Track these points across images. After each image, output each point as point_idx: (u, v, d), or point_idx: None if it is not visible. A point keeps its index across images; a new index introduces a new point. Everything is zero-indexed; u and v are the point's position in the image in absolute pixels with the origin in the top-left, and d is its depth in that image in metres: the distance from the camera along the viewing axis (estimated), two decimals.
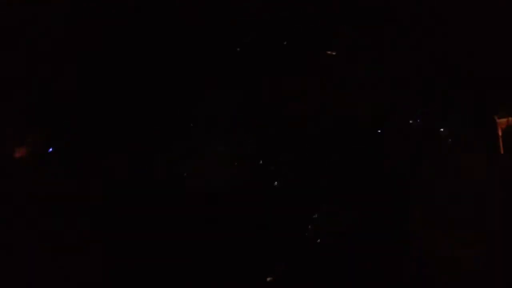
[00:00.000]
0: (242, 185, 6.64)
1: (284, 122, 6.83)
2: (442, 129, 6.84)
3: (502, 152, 6.74)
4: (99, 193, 6.49)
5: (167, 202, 6.56)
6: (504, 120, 6.78)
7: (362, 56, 6.99)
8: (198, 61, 6.86)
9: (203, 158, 6.68)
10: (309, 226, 6.69)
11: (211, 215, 6.57)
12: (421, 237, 6.51)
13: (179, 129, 6.76)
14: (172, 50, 6.81)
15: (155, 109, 6.71)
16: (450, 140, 6.80)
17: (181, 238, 6.46)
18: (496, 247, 6.34)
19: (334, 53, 6.99)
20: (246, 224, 6.55)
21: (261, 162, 6.77)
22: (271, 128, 6.79)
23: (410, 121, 6.90)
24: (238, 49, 6.88)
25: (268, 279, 6.51)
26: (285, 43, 6.93)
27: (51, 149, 6.36)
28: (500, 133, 6.77)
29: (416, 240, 6.54)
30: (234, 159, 6.73)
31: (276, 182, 6.72)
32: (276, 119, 6.84)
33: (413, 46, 7.05)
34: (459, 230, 6.46)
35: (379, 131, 6.89)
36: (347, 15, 7.03)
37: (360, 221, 6.67)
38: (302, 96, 6.83)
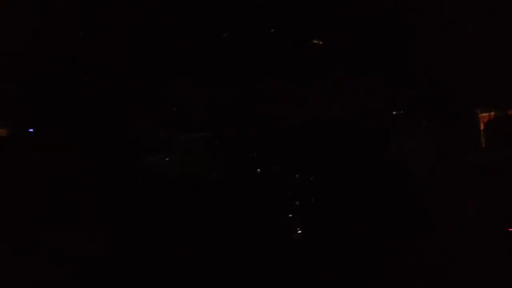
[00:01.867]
0: (217, 180, 6.65)
1: (262, 118, 6.85)
2: (423, 122, 6.81)
3: (484, 146, 6.68)
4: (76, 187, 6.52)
5: (141, 196, 6.57)
6: (485, 114, 6.74)
7: (342, 54, 6.98)
8: (175, 58, 6.91)
9: (178, 152, 6.73)
10: (287, 223, 6.68)
11: (187, 210, 6.57)
12: (397, 233, 6.44)
13: (153, 124, 6.81)
14: (149, 48, 6.88)
15: (127, 104, 6.77)
16: (431, 133, 6.75)
17: (156, 234, 6.46)
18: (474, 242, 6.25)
19: (321, 42, 6.97)
20: (223, 220, 6.54)
21: (238, 157, 6.79)
22: (247, 125, 6.82)
23: (394, 112, 6.88)
24: (216, 45, 6.92)
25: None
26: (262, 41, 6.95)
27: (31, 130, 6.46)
28: (482, 127, 6.72)
29: (395, 236, 6.46)
30: (210, 155, 6.76)
31: (253, 177, 6.73)
32: (254, 116, 6.86)
33: (396, 41, 7.04)
34: (439, 224, 6.40)
35: (360, 123, 6.87)
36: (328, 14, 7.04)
37: (340, 218, 6.63)
38: (280, 93, 6.85)
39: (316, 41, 6.87)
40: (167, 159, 6.83)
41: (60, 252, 6.20)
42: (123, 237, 6.42)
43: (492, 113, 6.72)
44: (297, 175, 6.80)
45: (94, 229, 6.37)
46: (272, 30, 6.87)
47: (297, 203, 6.69)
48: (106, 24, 6.72)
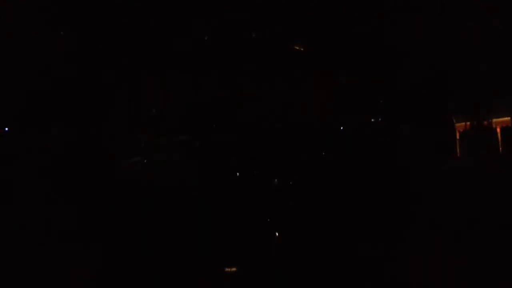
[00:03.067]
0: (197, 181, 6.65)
1: (243, 122, 6.86)
2: (401, 130, 6.90)
3: (459, 154, 6.81)
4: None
5: (119, 197, 6.51)
6: (462, 124, 6.87)
7: (323, 60, 7.03)
8: (155, 60, 6.86)
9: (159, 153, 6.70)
10: (266, 227, 6.71)
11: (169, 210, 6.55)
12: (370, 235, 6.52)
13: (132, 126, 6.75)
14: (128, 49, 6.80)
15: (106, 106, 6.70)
16: (408, 140, 6.84)
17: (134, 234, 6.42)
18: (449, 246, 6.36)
19: (301, 49, 7.02)
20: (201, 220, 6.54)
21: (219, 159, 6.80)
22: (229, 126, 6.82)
23: (372, 120, 6.96)
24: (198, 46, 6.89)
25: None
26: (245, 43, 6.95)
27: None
28: (457, 136, 6.85)
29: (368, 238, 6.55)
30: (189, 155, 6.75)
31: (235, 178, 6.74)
32: (234, 119, 6.86)
33: (379, 50, 7.11)
34: (413, 228, 6.50)
35: (340, 129, 6.94)
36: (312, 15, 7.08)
37: (320, 221, 6.69)
38: (261, 97, 6.86)
39: (297, 47, 6.91)
40: (145, 161, 6.78)
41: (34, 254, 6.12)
42: (101, 238, 6.37)
43: (468, 123, 6.85)
44: (276, 180, 6.83)
45: (72, 229, 6.30)
46: (253, 35, 6.88)
47: (276, 207, 6.72)
48: (87, 26, 6.64)
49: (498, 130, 6.70)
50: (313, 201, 6.78)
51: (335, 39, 7.05)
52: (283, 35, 7.05)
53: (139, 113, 6.84)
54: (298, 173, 6.89)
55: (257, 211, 6.84)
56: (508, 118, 6.74)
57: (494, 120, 6.74)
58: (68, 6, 6.74)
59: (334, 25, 7.03)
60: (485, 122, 6.73)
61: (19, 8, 6.62)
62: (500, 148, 6.69)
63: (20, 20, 6.68)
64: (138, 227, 6.54)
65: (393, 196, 6.64)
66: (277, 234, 6.77)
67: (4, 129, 6.31)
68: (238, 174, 6.82)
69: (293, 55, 7.01)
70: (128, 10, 6.77)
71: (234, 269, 6.57)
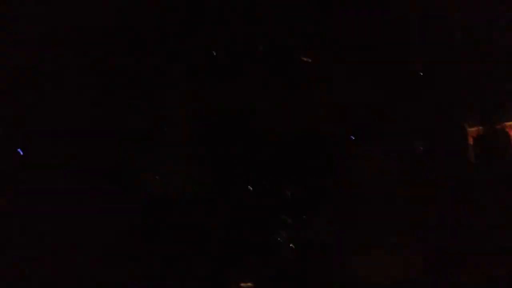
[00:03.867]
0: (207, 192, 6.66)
1: (253, 134, 6.87)
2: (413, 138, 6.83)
3: (472, 160, 6.71)
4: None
5: (132, 211, 6.55)
6: (474, 129, 6.77)
7: (330, 71, 7.01)
8: (166, 75, 6.92)
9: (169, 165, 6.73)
10: (278, 240, 6.68)
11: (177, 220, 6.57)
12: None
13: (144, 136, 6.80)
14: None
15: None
16: (421, 148, 6.77)
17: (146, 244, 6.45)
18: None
19: (309, 60, 7.01)
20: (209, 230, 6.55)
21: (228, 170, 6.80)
22: (238, 139, 6.82)
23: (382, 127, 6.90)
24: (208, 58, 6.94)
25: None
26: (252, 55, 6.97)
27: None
28: (471, 142, 6.75)
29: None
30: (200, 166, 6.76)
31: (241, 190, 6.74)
32: (244, 132, 6.87)
33: (388, 58, 7.08)
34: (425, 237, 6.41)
35: (351, 138, 6.90)
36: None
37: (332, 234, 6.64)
38: (271, 109, 6.87)
39: (305, 59, 6.91)
40: (158, 174, 6.81)
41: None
42: (113, 252, 6.40)
43: (481, 128, 6.75)
44: (288, 192, 6.80)
45: (86, 244, 6.35)
46: (261, 48, 6.90)
47: (289, 220, 6.69)
48: (101, 40, 6.74)
49: (511, 133, 6.60)
50: (326, 213, 6.72)
51: (343, 49, 7.03)
52: (291, 46, 7.05)
53: (151, 126, 6.89)
54: (310, 184, 6.85)
55: (271, 223, 6.81)
56: None
57: (507, 123, 6.64)
58: (83, 22, 6.83)
59: (342, 35, 7.02)
60: (498, 126, 6.63)
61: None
62: None
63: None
64: (150, 239, 6.56)
65: (406, 204, 6.56)
66: (292, 246, 6.74)
67: (18, 150, 6.44)
68: (250, 187, 6.81)
69: (302, 66, 7.01)
70: (140, 23, 6.86)
71: (250, 284, 6.55)
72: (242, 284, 6.56)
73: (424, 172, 6.73)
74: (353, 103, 6.84)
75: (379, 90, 6.85)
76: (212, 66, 6.94)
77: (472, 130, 6.80)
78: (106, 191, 6.59)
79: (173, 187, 6.66)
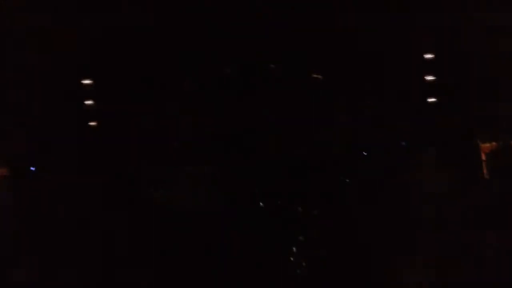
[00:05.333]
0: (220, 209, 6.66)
1: (265, 153, 6.87)
2: (425, 153, 6.79)
3: (486, 177, 6.66)
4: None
5: (144, 228, 6.56)
6: (487, 145, 6.73)
7: (344, 88, 7.01)
8: (179, 94, 6.95)
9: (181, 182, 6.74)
10: (291, 258, 6.66)
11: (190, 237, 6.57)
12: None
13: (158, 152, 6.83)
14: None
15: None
16: (433, 163, 6.73)
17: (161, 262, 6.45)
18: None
19: (320, 77, 7.03)
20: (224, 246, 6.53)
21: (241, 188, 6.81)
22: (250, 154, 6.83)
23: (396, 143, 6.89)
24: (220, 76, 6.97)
25: None
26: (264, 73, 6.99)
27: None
28: (483, 157, 6.71)
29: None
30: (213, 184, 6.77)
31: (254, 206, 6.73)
32: (256, 150, 6.88)
33: (402, 70, 7.07)
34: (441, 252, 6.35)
35: (364, 153, 6.89)
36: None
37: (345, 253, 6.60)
38: (282, 127, 6.88)
39: (316, 76, 6.91)
40: (171, 192, 6.83)
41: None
42: (127, 269, 6.40)
43: (494, 143, 6.71)
44: (300, 209, 6.79)
45: (98, 261, 6.36)
46: (272, 66, 6.92)
47: (301, 237, 6.67)
48: (112, 58, 6.79)
49: None
50: (339, 231, 6.69)
51: (354, 65, 7.03)
52: (302, 63, 7.07)
53: (162, 144, 6.92)
54: (322, 202, 6.83)
55: (282, 241, 6.80)
56: None
57: None
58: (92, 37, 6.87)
59: (352, 52, 7.02)
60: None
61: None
62: None
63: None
64: (161, 259, 6.56)
65: (418, 221, 6.52)
66: (303, 264, 6.71)
67: (30, 168, 6.49)
68: (262, 204, 6.81)
69: (313, 84, 7.02)
70: (150, 42, 6.90)
71: None
72: None
73: (436, 187, 6.68)
74: (366, 118, 6.85)
75: (391, 106, 6.84)
76: (224, 84, 6.97)
77: (485, 146, 6.76)
78: (117, 206, 6.61)
79: (185, 204, 6.67)
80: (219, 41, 6.90)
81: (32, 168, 6.47)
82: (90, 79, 6.88)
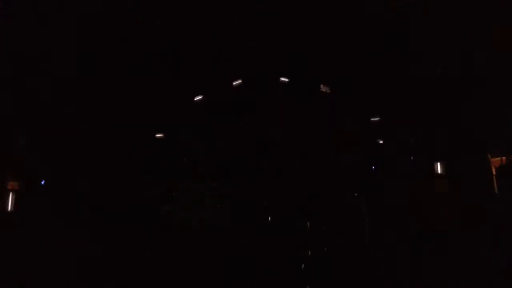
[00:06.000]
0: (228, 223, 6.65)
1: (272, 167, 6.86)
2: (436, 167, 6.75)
3: (496, 190, 6.59)
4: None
5: (152, 243, 6.58)
6: (497, 159, 6.67)
7: (351, 100, 7.00)
8: (184, 109, 7.01)
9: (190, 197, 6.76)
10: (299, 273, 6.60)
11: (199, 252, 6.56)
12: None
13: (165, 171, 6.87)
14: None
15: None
16: (444, 177, 6.67)
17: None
18: None
19: (328, 90, 7.03)
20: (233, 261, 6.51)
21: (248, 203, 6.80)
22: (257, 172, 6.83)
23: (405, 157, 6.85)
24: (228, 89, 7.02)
25: None
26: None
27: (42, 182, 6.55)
28: (493, 171, 6.64)
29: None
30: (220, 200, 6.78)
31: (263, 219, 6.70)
32: (263, 164, 6.88)
33: (412, 84, 7.05)
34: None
35: (373, 168, 6.86)
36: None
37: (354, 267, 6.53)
38: (290, 141, 6.87)
39: (323, 89, 6.93)
40: (178, 207, 6.86)
41: None
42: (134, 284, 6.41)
43: (504, 158, 6.64)
44: (308, 224, 6.76)
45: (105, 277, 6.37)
46: (281, 79, 6.96)
47: (309, 252, 6.61)
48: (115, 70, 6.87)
49: None
50: (348, 248, 6.62)
51: (365, 77, 7.03)
52: (310, 77, 7.09)
53: (170, 161, 6.97)
54: (331, 215, 6.79)
55: (291, 254, 6.75)
56: None
57: None
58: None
59: (360, 63, 7.03)
60: None
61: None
62: None
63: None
64: (171, 272, 6.55)
65: (430, 235, 6.44)
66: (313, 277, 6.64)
67: (41, 182, 6.58)
68: (270, 218, 6.79)
69: (321, 97, 7.03)
70: (157, 60, 6.99)
71: None
72: None
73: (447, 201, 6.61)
74: (377, 131, 6.83)
75: (401, 120, 6.82)
76: (234, 99, 7.02)
77: (495, 160, 6.69)
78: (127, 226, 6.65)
79: (197, 219, 6.69)
80: (226, 53, 6.96)
81: (42, 182, 6.57)
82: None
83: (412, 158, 6.94)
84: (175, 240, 6.65)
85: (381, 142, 7.01)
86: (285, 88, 7.03)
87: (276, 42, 6.95)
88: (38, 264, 6.35)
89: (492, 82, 6.82)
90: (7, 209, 6.56)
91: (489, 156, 6.71)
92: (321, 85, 7.09)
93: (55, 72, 6.91)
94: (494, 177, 6.64)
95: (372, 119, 7.05)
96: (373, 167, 6.97)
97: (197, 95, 7.08)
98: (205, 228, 6.68)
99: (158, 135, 7.10)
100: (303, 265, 6.69)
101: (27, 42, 6.81)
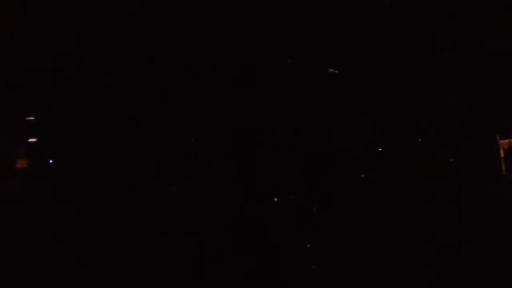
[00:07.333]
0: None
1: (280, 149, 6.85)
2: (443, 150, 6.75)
3: (504, 173, 6.59)
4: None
5: (160, 224, 6.58)
6: (506, 141, 6.67)
7: (360, 83, 6.98)
8: (195, 90, 6.99)
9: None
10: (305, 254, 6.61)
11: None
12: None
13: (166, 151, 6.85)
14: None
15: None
16: (451, 160, 6.68)
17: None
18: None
19: (336, 71, 6.99)
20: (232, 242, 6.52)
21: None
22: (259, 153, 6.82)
23: (413, 141, 6.84)
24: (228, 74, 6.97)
25: None
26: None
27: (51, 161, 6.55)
28: (502, 154, 6.65)
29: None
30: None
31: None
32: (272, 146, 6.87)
33: (419, 70, 7.04)
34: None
35: (380, 151, 6.85)
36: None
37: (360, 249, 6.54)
38: (299, 123, 6.86)
39: (332, 70, 6.90)
40: (186, 188, 6.85)
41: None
42: (139, 265, 6.41)
43: None
44: (314, 206, 6.75)
45: (109, 258, 6.38)
46: (288, 61, 6.92)
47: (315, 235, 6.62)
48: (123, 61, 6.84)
49: None
50: (354, 229, 6.63)
51: (373, 60, 7.01)
52: (318, 58, 7.05)
53: (178, 141, 6.95)
54: (340, 199, 6.78)
55: (298, 240, 6.74)
56: None
57: None
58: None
59: (368, 48, 7.00)
60: None
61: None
62: None
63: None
64: (174, 257, 6.54)
65: (437, 218, 6.45)
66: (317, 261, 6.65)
67: (49, 160, 6.57)
68: (276, 200, 6.78)
69: (329, 79, 7.00)
70: (161, 42, 6.96)
71: None
72: None
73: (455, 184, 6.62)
74: (385, 115, 6.81)
75: (406, 102, 6.81)
76: (237, 80, 6.98)
77: (504, 142, 6.70)
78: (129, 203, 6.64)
79: (198, 200, 6.69)
80: (230, 36, 6.92)
81: (51, 161, 6.56)
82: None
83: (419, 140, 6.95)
84: (184, 222, 6.65)
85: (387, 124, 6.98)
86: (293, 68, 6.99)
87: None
88: (43, 247, 6.35)
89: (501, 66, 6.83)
90: (15, 188, 6.56)
91: (497, 137, 6.72)
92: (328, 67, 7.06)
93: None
94: (502, 159, 6.65)
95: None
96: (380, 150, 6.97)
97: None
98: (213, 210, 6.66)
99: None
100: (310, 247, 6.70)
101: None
